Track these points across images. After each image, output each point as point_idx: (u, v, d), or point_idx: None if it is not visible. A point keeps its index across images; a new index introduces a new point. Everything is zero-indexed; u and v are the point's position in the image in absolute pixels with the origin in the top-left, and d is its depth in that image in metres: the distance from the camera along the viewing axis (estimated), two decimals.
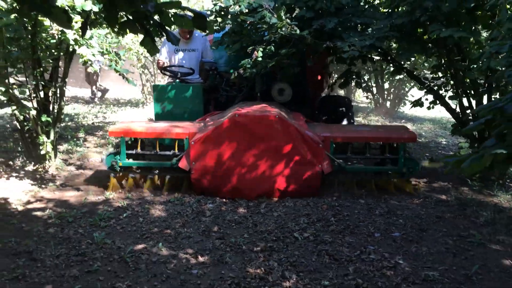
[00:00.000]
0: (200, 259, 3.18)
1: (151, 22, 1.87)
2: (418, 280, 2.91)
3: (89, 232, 3.59)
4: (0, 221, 3.80)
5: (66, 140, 6.41)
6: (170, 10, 1.85)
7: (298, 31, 4.59)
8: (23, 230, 3.65)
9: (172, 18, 1.85)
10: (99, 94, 11.71)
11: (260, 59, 4.63)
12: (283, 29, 4.53)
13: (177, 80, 5.74)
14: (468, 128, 2.02)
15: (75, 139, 6.39)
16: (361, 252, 3.30)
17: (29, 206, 4.18)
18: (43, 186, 4.70)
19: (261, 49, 4.62)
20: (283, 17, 4.58)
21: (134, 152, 4.64)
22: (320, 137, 4.49)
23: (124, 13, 1.88)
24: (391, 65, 5.90)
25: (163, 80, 10.36)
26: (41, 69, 4.91)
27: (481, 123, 1.94)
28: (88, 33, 4.13)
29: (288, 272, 2.99)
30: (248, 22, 4.84)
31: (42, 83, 4.96)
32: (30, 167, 5.13)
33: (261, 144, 4.35)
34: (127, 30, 1.90)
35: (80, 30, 3.77)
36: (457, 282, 2.91)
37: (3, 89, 4.44)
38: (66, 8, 3.56)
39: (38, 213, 4.00)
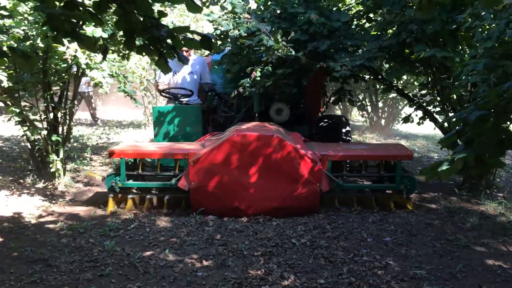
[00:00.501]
0: (205, 263, 3.42)
1: (164, 45, 2.17)
2: (406, 278, 3.16)
3: (100, 241, 3.82)
4: (16, 233, 4.04)
5: (73, 160, 6.67)
6: (180, 35, 2.15)
7: (293, 53, 4.91)
8: (37, 240, 3.88)
9: (182, 41, 2.16)
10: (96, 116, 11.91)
11: (258, 78, 4.93)
12: (280, 51, 4.85)
13: (176, 102, 5.92)
14: (444, 139, 2.29)
15: (81, 159, 6.65)
16: (355, 255, 3.55)
17: (42, 220, 4.41)
18: (53, 201, 4.95)
19: (259, 69, 4.93)
20: (280, 40, 4.91)
21: (134, 173, 4.78)
22: (318, 155, 4.56)
23: (141, 38, 2.18)
24: (382, 84, 6.22)
25: (164, 102, 10.69)
26: (51, 91, 5.21)
27: (453, 134, 2.20)
28: (99, 57, 4.44)
29: (286, 273, 3.23)
30: (246, 45, 5.17)
31: (52, 105, 5.25)
32: (40, 185, 5.38)
33: (259, 164, 4.40)
34: (143, 53, 2.20)
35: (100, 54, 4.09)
36: (443, 279, 3.16)
37: (17, 110, 4.74)
38: None
39: (51, 226, 4.24)
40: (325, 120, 6.64)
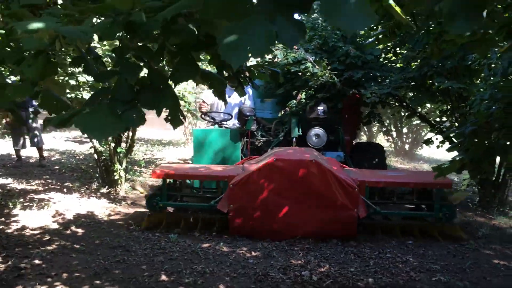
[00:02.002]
0: (254, 253, 4.13)
1: (243, 75, 2.96)
2: (423, 270, 3.80)
3: (165, 235, 4.58)
4: (93, 226, 4.84)
5: (126, 172, 7.52)
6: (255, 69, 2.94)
7: (336, 79, 5.66)
8: (112, 232, 4.66)
9: (256, 74, 2.94)
10: None
11: (303, 100, 5.67)
12: (324, 77, 5.60)
13: (216, 125, 6.16)
14: (449, 148, 2.98)
15: (134, 170, 7.50)
16: (380, 252, 4.21)
17: (112, 217, 5.22)
18: (118, 204, 5.77)
19: (304, 92, 5.70)
20: (326, 68, 5.69)
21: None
22: (356, 181, 4.57)
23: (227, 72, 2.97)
24: (406, 110, 6.91)
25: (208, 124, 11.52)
26: None
27: (456, 144, 2.90)
28: None
29: (322, 263, 3.91)
30: (293, 71, 5.96)
31: None
32: (104, 190, 6.23)
33: (298, 188, 4.44)
34: (227, 81, 2.99)
35: None
36: (453, 272, 3.79)
37: None
38: None
39: (121, 222, 5.04)
40: (361, 147, 6.85)
